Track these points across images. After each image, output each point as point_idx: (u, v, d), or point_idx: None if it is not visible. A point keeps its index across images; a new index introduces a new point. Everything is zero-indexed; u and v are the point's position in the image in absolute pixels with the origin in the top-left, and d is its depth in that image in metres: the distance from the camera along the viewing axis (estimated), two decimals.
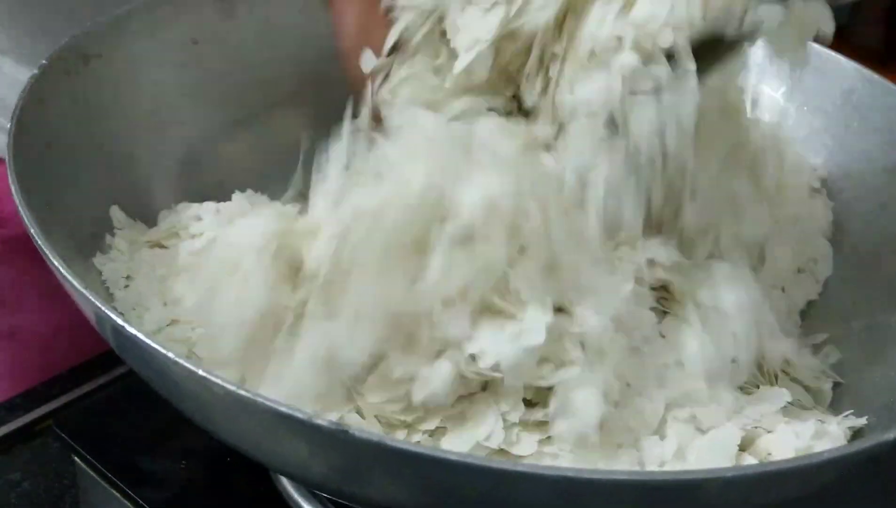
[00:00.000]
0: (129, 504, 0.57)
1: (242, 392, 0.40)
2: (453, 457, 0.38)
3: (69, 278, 0.45)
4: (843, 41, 1.04)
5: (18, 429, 0.68)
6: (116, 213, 0.58)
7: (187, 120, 0.65)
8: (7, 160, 0.51)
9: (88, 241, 0.55)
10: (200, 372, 0.41)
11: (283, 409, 0.39)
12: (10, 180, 0.50)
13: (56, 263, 0.46)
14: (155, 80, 0.63)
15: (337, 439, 0.39)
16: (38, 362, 0.72)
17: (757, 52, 0.69)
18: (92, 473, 0.59)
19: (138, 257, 0.57)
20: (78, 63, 0.59)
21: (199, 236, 0.59)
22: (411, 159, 0.50)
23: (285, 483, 0.56)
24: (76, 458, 0.60)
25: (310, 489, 0.55)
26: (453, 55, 0.55)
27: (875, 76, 0.65)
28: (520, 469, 0.40)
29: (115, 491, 0.57)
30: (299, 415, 0.39)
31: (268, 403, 0.40)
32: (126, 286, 0.55)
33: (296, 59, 0.69)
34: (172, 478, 0.58)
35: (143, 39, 0.63)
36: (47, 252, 0.46)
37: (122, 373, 0.68)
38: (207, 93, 0.66)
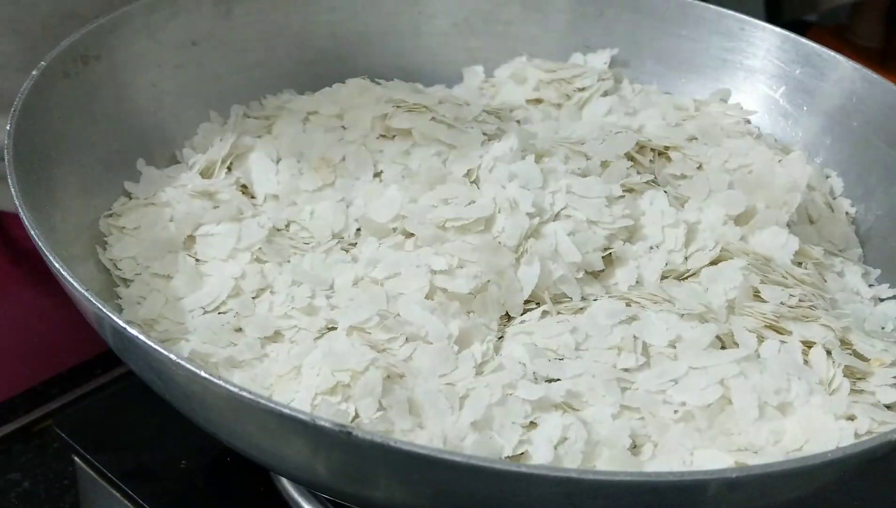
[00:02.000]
0: (129, 504, 0.57)
1: (245, 394, 0.40)
2: (458, 458, 0.38)
3: (69, 279, 0.45)
4: (843, 41, 1.05)
5: (18, 429, 0.68)
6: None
7: (186, 121, 0.64)
8: (7, 160, 0.51)
9: (89, 242, 0.55)
10: (203, 374, 0.41)
11: (286, 411, 0.39)
12: (10, 181, 0.49)
13: (56, 264, 0.46)
14: (154, 81, 0.63)
15: (340, 440, 0.39)
16: (38, 361, 0.71)
17: (757, 55, 0.69)
18: (92, 473, 0.59)
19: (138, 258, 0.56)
20: (77, 64, 0.59)
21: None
22: None
23: (285, 483, 0.56)
24: (76, 458, 0.60)
25: (312, 490, 0.55)
26: None
27: (875, 76, 0.65)
28: (524, 470, 0.40)
29: (115, 491, 0.57)
30: (302, 416, 0.39)
31: (270, 405, 0.40)
32: (127, 286, 0.54)
33: (295, 60, 0.69)
34: (172, 478, 0.58)
35: (143, 40, 0.62)
36: (47, 253, 0.46)
37: (122, 373, 0.68)
38: (206, 94, 0.66)
